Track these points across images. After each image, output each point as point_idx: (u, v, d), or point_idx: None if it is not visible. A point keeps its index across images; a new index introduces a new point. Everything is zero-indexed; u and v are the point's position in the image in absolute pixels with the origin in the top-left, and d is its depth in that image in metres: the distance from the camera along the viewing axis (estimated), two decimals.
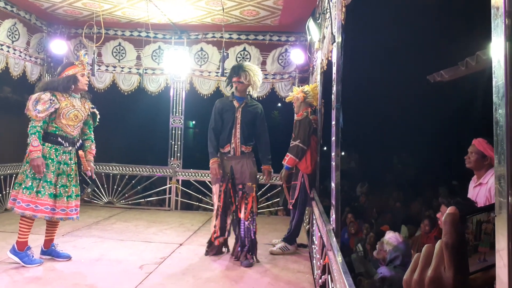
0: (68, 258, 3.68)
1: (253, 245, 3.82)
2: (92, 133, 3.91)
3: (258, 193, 6.58)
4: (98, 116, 3.92)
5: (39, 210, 3.40)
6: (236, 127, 3.86)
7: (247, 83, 3.83)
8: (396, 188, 8.44)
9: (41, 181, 3.43)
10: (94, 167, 3.88)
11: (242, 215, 3.79)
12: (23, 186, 3.42)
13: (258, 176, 4.02)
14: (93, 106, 3.87)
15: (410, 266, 0.56)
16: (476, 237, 0.51)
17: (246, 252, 3.74)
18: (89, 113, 3.82)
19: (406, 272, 0.57)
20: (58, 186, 3.50)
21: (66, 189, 3.54)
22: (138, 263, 3.71)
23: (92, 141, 3.88)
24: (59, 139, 3.57)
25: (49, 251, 3.68)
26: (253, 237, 3.80)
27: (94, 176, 3.86)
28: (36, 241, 3.79)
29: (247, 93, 3.96)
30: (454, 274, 0.49)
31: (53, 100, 3.46)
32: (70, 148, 3.63)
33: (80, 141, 3.76)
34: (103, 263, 3.70)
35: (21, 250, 3.46)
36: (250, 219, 3.79)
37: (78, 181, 3.69)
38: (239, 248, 3.84)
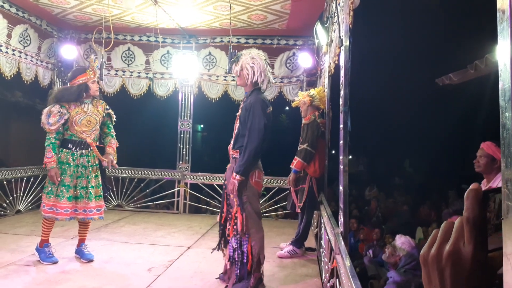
0: (89, 259, 3.80)
1: (243, 274, 3.18)
2: (112, 131, 4.00)
3: (265, 198, 6.63)
4: (114, 118, 4.03)
5: (59, 213, 3.61)
6: (235, 128, 3.32)
7: (235, 74, 3.28)
8: (405, 191, 8.38)
9: (59, 186, 3.62)
10: (113, 159, 3.88)
11: (227, 231, 3.27)
12: (46, 191, 3.66)
13: (246, 187, 3.18)
14: (107, 107, 3.97)
15: (428, 241, 0.56)
16: (498, 216, 0.50)
17: (234, 279, 3.18)
18: (105, 114, 3.92)
19: (423, 248, 0.56)
20: (78, 188, 3.68)
21: (86, 191, 3.71)
22: (146, 265, 3.74)
23: (113, 137, 3.98)
24: (75, 145, 3.71)
25: (77, 250, 3.90)
26: (244, 261, 3.15)
27: (110, 168, 3.92)
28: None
29: (256, 87, 3.26)
30: (474, 249, 0.49)
31: (62, 112, 3.62)
32: (87, 151, 3.75)
33: (97, 143, 3.85)
34: (112, 265, 3.73)
35: (41, 246, 3.75)
36: (235, 238, 3.17)
37: (99, 182, 3.81)
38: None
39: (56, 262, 3.68)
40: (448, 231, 0.53)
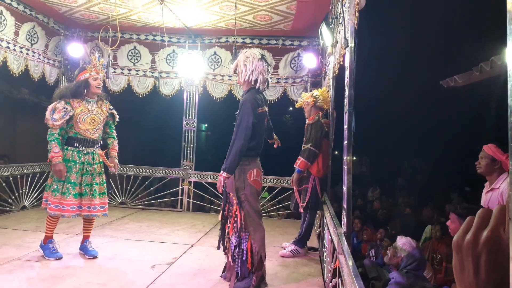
0: (93, 256, 3.83)
1: (244, 271, 3.19)
2: (114, 132, 4.07)
3: (267, 199, 6.66)
4: (117, 118, 4.08)
5: (66, 210, 3.64)
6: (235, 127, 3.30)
7: (232, 72, 3.41)
8: (408, 193, 8.38)
9: (65, 183, 3.65)
10: (118, 163, 4.02)
11: (226, 229, 3.31)
12: (51, 189, 3.67)
13: (244, 185, 3.21)
14: (111, 107, 4.00)
15: (462, 228, 0.54)
16: None
17: (235, 277, 3.20)
18: (108, 114, 3.96)
19: (456, 234, 0.55)
20: (83, 185, 3.71)
21: (91, 188, 3.75)
22: (150, 263, 3.77)
23: (115, 138, 4.06)
24: (80, 143, 3.74)
25: (82, 246, 3.93)
26: (244, 258, 3.17)
27: (116, 172, 4.02)
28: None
29: (251, 86, 3.28)
30: None
31: (67, 108, 3.64)
32: (92, 149, 3.79)
33: (101, 142, 3.91)
34: (116, 262, 3.76)
35: (45, 243, 3.79)
36: (235, 236, 3.19)
37: (103, 179, 3.87)
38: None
39: (60, 258, 3.71)
40: (485, 218, 0.52)
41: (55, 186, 3.65)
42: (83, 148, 3.74)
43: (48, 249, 3.74)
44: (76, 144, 3.72)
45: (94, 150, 3.80)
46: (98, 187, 3.79)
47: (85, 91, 3.76)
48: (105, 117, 3.90)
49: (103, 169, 3.87)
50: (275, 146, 4.00)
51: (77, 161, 3.70)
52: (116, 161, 3.98)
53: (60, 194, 3.63)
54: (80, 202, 3.69)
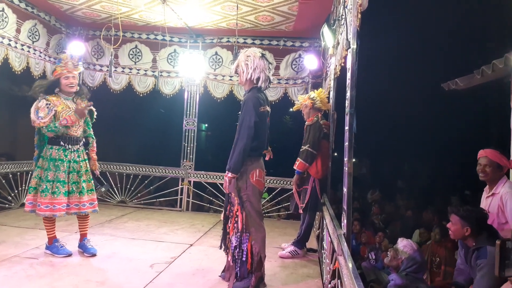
0: (92, 254, 3.82)
1: (243, 272, 3.18)
2: (91, 130, 4.06)
3: (267, 199, 6.66)
4: (95, 114, 4.06)
5: (57, 209, 3.63)
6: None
7: (233, 72, 3.44)
8: (408, 195, 8.38)
9: (55, 182, 3.64)
10: (98, 164, 4.07)
11: (227, 229, 3.32)
12: (40, 190, 3.63)
13: (246, 185, 3.16)
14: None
15: None
16: None
17: (234, 277, 3.19)
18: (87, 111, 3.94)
19: None
20: (70, 183, 3.70)
21: (78, 185, 3.75)
22: (149, 262, 3.76)
23: (93, 138, 4.06)
24: (66, 141, 3.74)
25: (80, 244, 3.92)
26: (244, 259, 3.15)
27: (98, 174, 4.07)
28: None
29: (253, 86, 3.27)
30: None
31: (49, 104, 3.64)
32: (77, 146, 3.80)
33: (84, 140, 3.93)
34: (114, 260, 3.76)
35: (50, 244, 3.80)
36: (235, 236, 3.18)
37: (90, 177, 3.88)
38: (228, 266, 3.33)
39: (70, 254, 3.74)
40: None
41: (45, 187, 3.62)
42: (69, 146, 3.74)
43: (56, 247, 3.76)
44: (61, 143, 3.71)
45: (79, 148, 3.81)
46: (85, 184, 3.80)
47: (57, 89, 3.76)
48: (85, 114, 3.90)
49: (88, 166, 3.89)
50: (266, 158, 3.77)
51: (65, 160, 3.70)
52: (97, 164, 4.04)
53: (50, 194, 3.61)
54: (68, 201, 3.68)
